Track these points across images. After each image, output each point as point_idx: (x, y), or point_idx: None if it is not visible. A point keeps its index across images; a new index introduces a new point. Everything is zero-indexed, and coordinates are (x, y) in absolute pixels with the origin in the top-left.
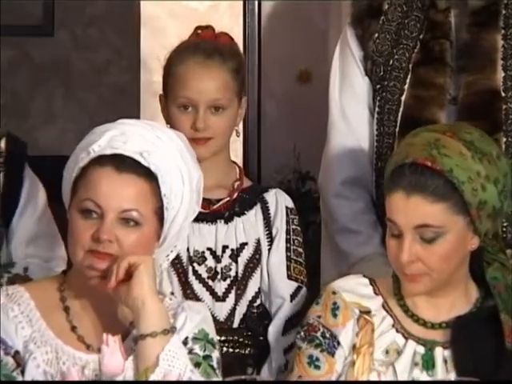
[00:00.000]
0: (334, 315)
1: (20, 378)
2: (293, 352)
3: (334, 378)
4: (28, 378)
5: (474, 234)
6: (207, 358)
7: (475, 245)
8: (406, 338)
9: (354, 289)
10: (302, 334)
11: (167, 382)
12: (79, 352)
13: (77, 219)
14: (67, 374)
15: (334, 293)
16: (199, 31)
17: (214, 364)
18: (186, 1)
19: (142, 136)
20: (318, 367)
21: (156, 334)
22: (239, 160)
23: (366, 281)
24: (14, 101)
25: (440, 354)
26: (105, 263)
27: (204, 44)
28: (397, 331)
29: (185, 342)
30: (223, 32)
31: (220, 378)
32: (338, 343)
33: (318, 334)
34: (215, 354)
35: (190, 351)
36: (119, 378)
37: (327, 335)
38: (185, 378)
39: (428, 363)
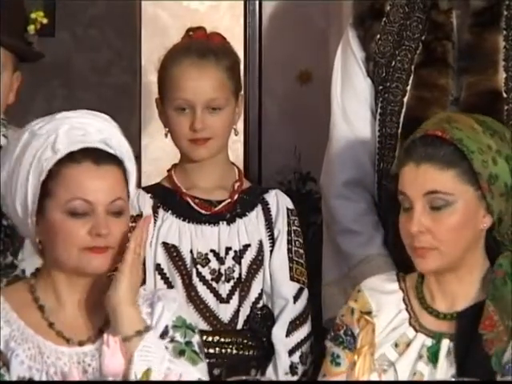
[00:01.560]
0: (352, 313)
1: (7, 376)
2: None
3: None
4: (14, 375)
5: (487, 213)
6: (189, 344)
7: (487, 224)
8: (417, 331)
9: (378, 286)
10: (331, 334)
11: (167, 382)
12: (61, 347)
13: (65, 221)
14: (68, 374)
15: (358, 291)
16: (191, 33)
17: (196, 349)
18: (186, 1)
19: (93, 125)
20: (338, 364)
21: (130, 337)
22: (240, 160)
23: (395, 277)
24: (15, 101)
25: (445, 345)
26: (104, 256)
27: (197, 44)
28: (410, 325)
29: (165, 332)
30: (215, 32)
31: (204, 361)
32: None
33: (341, 332)
34: (196, 339)
35: (172, 339)
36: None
37: (349, 332)
38: (164, 369)
39: (433, 356)
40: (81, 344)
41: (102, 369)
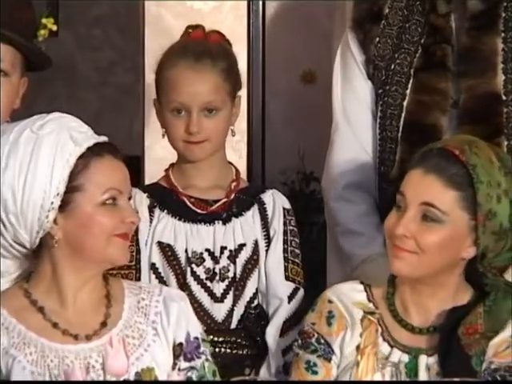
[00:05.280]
0: (329, 324)
1: None
2: (292, 358)
3: None
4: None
5: (473, 244)
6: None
7: (469, 255)
8: (392, 347)
9: (347, 295)
10: (299, 341)
11: (167, 381)
12: (67, 345)
13: (99, 211)
14: (71, 374)
15: (330, 301)
16: (190, 30)
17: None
18: (190, 1)
19: (83, 123)
20: (315, 372)
21: None
22: (243, 160)
23: (361, 287)
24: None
25: (423, 361)
26: (127, 244)
27: (193, 46)
28: (383, 339)
29: (198, 346)
30: (214, 30)
31: None
32: (333, 350)
33: (313, 340)
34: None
35: (207, 358)
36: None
37: (322, 341)
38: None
39: (411, 371)
40: (88, 338)
41: (105, 369)
